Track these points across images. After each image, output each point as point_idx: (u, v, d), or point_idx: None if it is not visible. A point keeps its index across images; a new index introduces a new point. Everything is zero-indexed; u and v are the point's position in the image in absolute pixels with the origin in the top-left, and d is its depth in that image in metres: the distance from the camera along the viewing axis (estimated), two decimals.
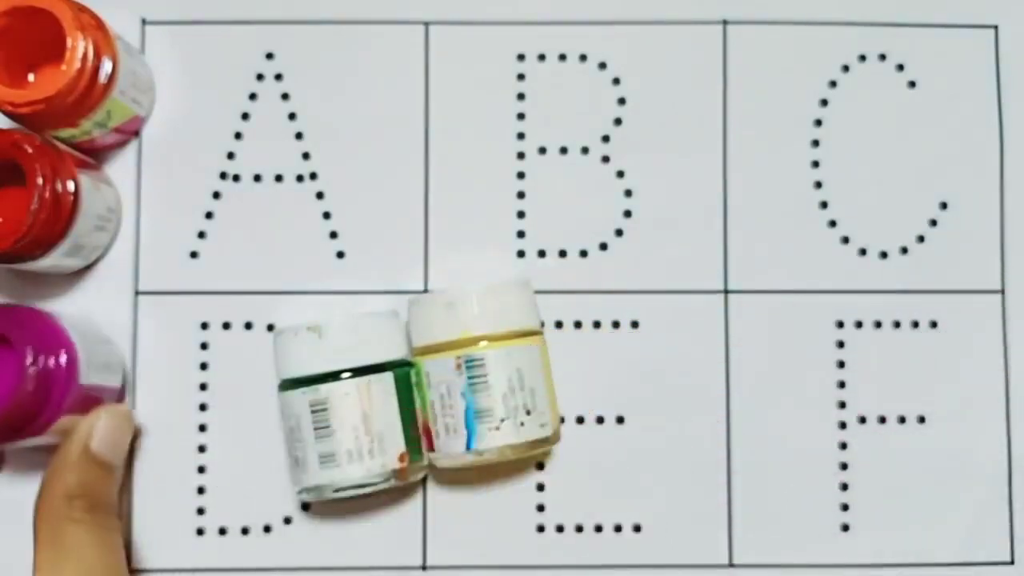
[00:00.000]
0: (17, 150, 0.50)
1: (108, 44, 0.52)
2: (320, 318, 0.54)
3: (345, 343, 0.53)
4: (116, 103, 0.54)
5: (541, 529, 0.57)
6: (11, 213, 0.53)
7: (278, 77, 0.59)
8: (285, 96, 0.59)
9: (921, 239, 0.59)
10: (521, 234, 0.59)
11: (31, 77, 0.55)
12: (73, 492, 0.51)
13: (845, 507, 0.58)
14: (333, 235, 0.58)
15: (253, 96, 0.59)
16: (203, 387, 0.58)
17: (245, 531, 0.57)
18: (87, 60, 0.50)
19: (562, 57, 0.59)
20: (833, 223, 0.59)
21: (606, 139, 0.59)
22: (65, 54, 0.50)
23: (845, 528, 0.58)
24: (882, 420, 0.58)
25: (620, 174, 0.59)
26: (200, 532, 0.57)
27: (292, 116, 0.59)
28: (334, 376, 0.53)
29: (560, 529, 0.57)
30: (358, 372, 0.53)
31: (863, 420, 0.58)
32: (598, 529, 0.57)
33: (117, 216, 0.57)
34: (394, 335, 0.55)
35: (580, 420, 0.58)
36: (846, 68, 0.59)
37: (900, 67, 0.59)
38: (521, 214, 0.59)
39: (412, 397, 0.54)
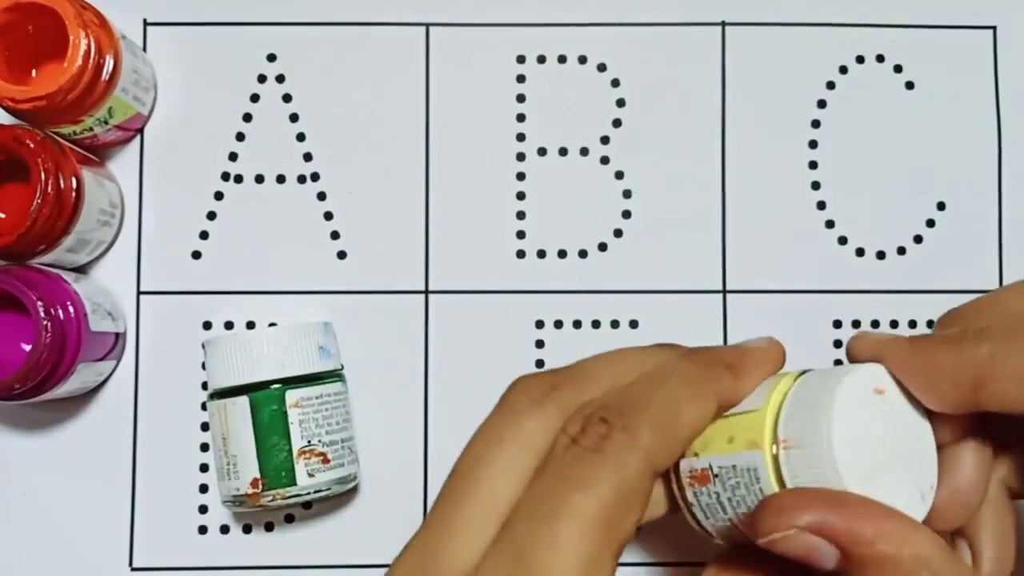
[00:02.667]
0: (19, 145, 0.51)
1: (111, 42, 0.52)
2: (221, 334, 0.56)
3: (215, 365, 0.54)
4: (118, 101, 0.54)
5: None
6: (15, 209, 0.54)
7: (280, 78, 0.59)
8: (287, 97, 0.59)
9: (919, 239, 0.59)
10: (521, 234, 0.59)
11: (34, 73, 0.55)
12: None
13: None
14: (335, 235, 0.59)
15: (255, 97, 0.59)
16: (205, 386, 0.58)
17: (247, 529, 0.58)
18: (89, 58, 0.51)
19: (562, 59, 0.60)
20: (831, 223, 0.59)
21: (605, 140, 0.59)
22: (67, 51, 0.50)
23: None
24: None
25: (619, 175, 0.59)
26: (203, 530, 0.57)
27: (294, 117, 0.59)
28: (212, 395, 0.54)
29: None
30: (220, 394, 0.54)
31: None
32: None
33: (120, 211, 0.58)
34: (270, 356, 0.53)
35: None
36: (844, 69, 0.60)
37: (898, 68, 0.60)
38: (521, 215, 0.59)
39: (282, 421, 0.53)
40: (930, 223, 0.59)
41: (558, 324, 0.58)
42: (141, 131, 0.58)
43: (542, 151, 0.59)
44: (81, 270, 0.57)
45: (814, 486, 0.36)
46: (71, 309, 0.52)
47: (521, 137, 0.59)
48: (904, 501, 0.36)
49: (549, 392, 0.39)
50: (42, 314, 0.50)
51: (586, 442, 0.36)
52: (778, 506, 0.35)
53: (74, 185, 0.52)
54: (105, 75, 0.52)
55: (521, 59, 0.60)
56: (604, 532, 0.35)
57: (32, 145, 0.51)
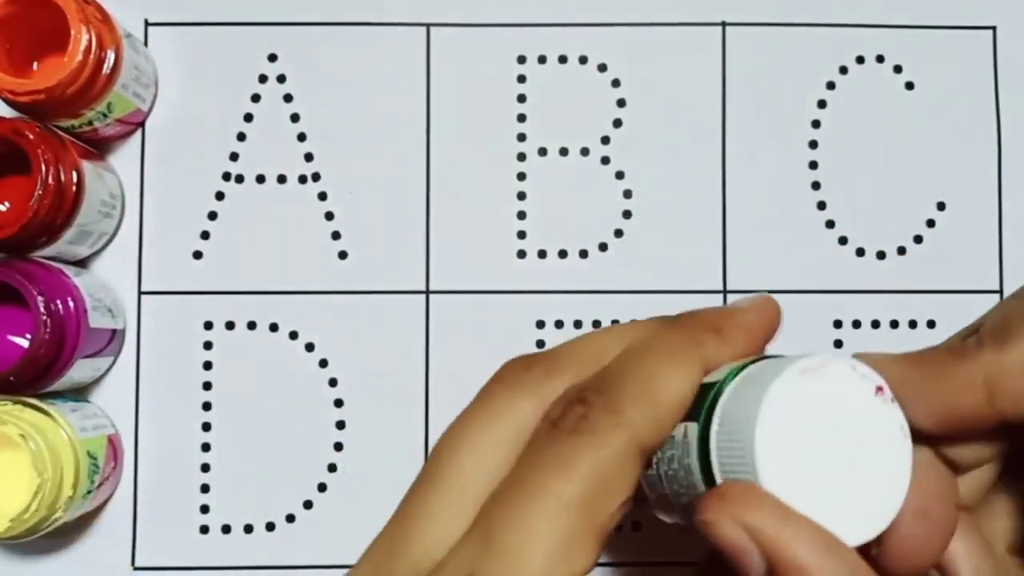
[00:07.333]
0: (19, 136, 0.51)
1: (112, 37, 0.53)
2: None
3: None
4: (118, 96, 0.54)
5: None
6: (16, 201, 0.54)
7: (281, 79, 0.59)
8: (288, 97, 0.59)
9: (919, 239, 0.59)
10: (522, 234, 0.59)
11: (35, 67, 0.55)
12: None
13: None
14: (335, 236, 0.59)
15: (256, 97, 0.59)
16: (207, 386, 0.58)
17: (248, 529, 0.57)
18: (90, 52, 0.51)
19: (562, 59, 0.60)
20: (831, 223, 0.59)
21: (606, 140, 0.59)
22: (68, 45, 0.50)
23: None
24: None
25: (620, 175, 0.59)
26: (204, 530, 0.57)
27: (295, 117, 0.59)
28: None
29: None
30: None
31: None
32: None
33: (120, 202, 0.58)
34: None
35: None
36: (844, 70, 0.60)
37: (898, 68, 0.60)
38: (522, 215, 0.59)
39: None
40: (930, 223, 0.59)
41: (559, 324, 0.58)
42: (142, 125, 0.59)
43: (543, 151, 0.59)
44: (82, 264, 0.57)
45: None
46: (71, 304, 0.52)
47: (522, 137, 0.59)
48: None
49: (522, 375, 0.38)
50: (42, 309, 0.51)
51: (565, 424, 0.34)
52: (722, 493, 0.33)
53: (75, 178, 0.52)
54: (106, 70, 0.52)
55: (521, 59, 0.60)
56: (582, 516, 0.33)
57: (32, 136, 0.51)
